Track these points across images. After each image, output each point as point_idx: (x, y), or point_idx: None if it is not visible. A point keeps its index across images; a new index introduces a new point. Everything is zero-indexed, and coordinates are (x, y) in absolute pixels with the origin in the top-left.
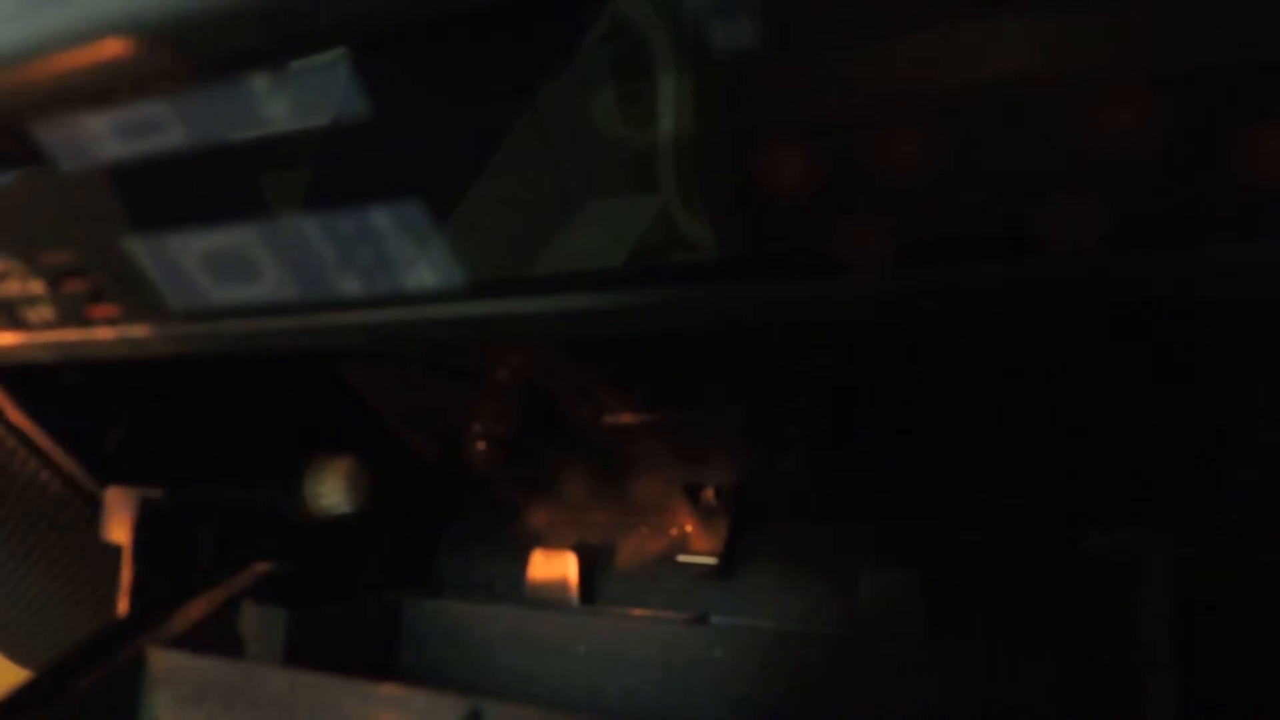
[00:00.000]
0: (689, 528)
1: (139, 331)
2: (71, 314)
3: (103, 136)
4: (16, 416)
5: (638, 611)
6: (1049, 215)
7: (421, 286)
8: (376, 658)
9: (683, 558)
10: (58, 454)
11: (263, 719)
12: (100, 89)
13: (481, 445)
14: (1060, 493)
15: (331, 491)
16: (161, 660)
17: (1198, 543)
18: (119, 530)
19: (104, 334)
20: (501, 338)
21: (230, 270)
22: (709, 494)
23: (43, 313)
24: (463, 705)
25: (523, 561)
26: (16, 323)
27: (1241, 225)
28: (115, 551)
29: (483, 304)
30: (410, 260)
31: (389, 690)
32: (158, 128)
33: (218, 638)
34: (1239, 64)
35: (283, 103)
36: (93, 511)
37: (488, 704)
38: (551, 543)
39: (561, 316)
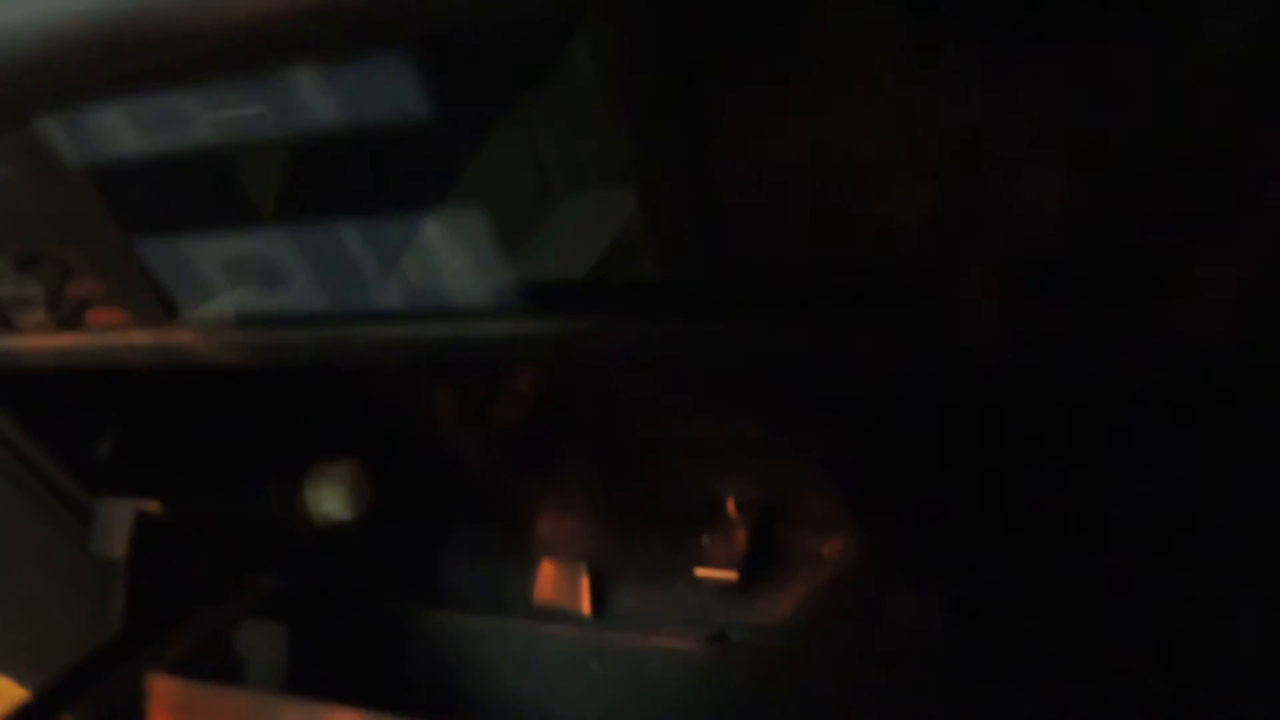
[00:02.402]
0: (705, 540)
1: (145, 339)
2: (70, 318)
3: (114, 128)
4: (3, 423)
5: (654, 630)
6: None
7: (468, 301)
8: (382, 675)
9: (700, 571)
10: (46, 463)
11: None
12: (111, 76)
13: (494, 452)
14: (1092, 515)
15: (333, 499)
16: (161, 688)
17: None
18: (113, 544)
19: (105, 340)
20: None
21: (252, 277)
22: (729, 505)
23: (37, 316)
24: None
25: (531, 571)
26: (7, 326)
27: None
28: (107, 567)
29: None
30: (457, 274)
31: None
32: (172, 121)
33: (217, 658)
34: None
35: (311, 102)
36: (82, 524)
37: None
38: (561, 552)
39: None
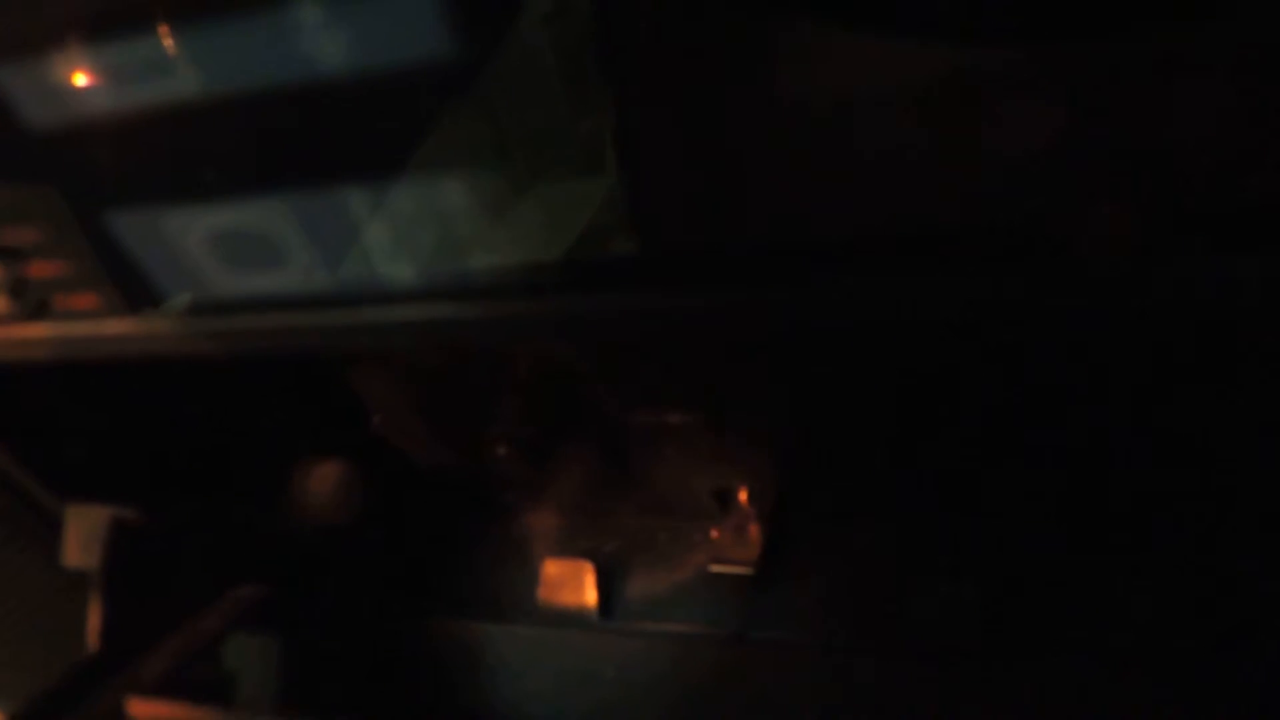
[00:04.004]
0: (715, 533)
1: (123, 328)
2: (36, 306)
3: (84, 80)
4: None
5: (669, 628)
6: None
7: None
8: (381, 686)
9: (715, 567)
10: (11, 466)
11: None
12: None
13: (503, 450)
14: (1127, 498)
15: (321, 500)
16: (143, 712)
17: None
18: (84, 554)
19: (77, 330)
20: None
21: (246, 254)
22: (742, 496)
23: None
24: None
25: (533, 571)
26: None
27: None
28: (75, 578)
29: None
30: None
31: None
32: (155, 72)
33: (203, 675)
34: None
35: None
36: (50, 532)
37: None
38: (565, 550)
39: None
